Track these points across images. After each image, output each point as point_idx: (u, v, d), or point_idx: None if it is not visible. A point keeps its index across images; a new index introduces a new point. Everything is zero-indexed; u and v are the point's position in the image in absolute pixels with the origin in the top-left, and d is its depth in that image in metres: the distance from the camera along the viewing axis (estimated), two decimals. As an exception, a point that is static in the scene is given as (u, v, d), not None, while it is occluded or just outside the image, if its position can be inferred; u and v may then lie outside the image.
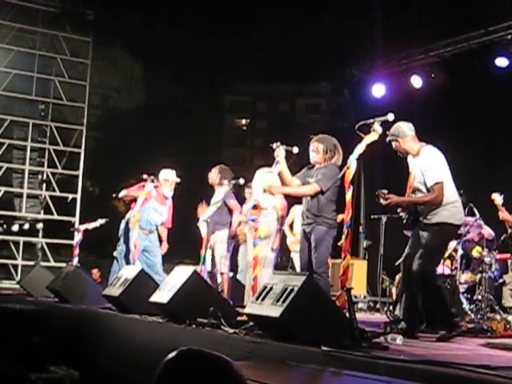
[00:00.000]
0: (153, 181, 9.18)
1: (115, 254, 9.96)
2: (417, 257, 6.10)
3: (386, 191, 6.19)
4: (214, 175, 9.03)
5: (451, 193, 6.18)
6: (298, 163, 7.46)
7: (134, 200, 9.50)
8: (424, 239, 6.19)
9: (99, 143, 24.20)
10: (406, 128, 6.33)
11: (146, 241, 9.47)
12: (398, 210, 7.14)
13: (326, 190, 6.81)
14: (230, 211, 8.74)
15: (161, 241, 9.74)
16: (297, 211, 10.14)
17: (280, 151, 6.85)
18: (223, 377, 2.00)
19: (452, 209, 6.14)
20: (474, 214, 8.10)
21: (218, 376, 1.99)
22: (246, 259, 9.72)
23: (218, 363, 2.05)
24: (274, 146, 6.93)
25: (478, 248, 8.39)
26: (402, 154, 6.42)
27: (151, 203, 9.49)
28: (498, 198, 8.09)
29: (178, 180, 9.53)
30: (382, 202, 6.16)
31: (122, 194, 9.90)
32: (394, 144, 6.38)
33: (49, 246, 15.43)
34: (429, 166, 6.16)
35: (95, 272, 13.04)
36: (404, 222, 6.56)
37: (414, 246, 6.29)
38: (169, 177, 9.49)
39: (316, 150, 7.04)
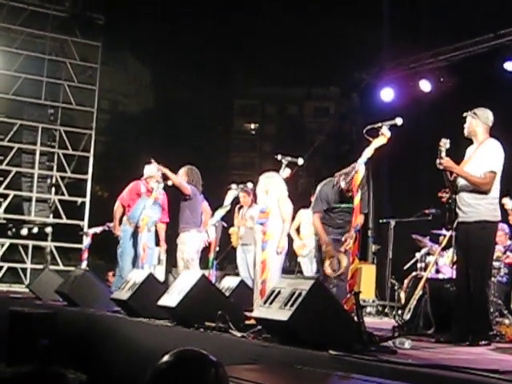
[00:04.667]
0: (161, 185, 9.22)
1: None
2: (471, 264, 6.14)
3: (447, 143, 6.17)
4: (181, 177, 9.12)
5: (496, 189, 6.26)
6: (303, 174, 7.54)
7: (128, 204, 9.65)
8: (469, 244, 6.20)
9: (108, 147, 24.30)
10: (489, 116, 6.38)
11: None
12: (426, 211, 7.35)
13: None
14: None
15: (159, 240, 9.79)
16: (303, 215, 10.15)
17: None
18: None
19: (489, 206, 6.20)
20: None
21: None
22: (246, 262, 9.81)
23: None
24: (279, 157, 7.02)
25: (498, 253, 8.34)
26: (467, 134, 6.42)
27: (142, 200, 9.54)
28: (508, 203, 8.05)
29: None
30: (437, 161, 6.16)
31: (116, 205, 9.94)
32: (469, 119, 6.38)
33: (58, 250, 15.46)
34: (491, 154, 6.22)
35: (111, 275, 13.05)
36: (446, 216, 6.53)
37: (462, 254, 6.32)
38: (153, 172, 9.55)
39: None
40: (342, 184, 7.26)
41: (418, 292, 7.82)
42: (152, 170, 9.57)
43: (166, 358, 2.13)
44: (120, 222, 9.76)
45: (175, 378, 2.07)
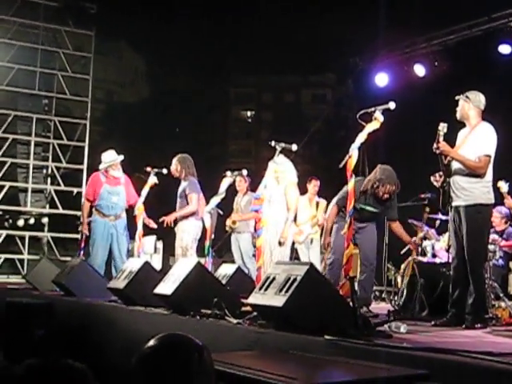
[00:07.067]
0: (156, 174, 9.22)
1: None
2: (466, 248, 6.15)
3: (445, 127, 6.17)
4: (175, 167, 9.11)
5: (490, 172, 6.28)
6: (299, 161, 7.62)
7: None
8: (463, 227, 6.22)
9: (103, 137, 24.20)
10: (481, 100, 6.39)
11: (112, 228, 9.56)
12: (422, 195, 7.60)
13: None
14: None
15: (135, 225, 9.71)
16: (300, 202, 10.15)
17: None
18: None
19: (483, 189, 6.23)
20: None
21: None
22: (239, 250, 9.83)
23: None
24: (273, 143, 7.04)
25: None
26: (460, 118, 6.44)
27: (104, 189, 9.59)
28: (503, 186, 8.09)
29: (122, 158, 9.63)
30: (434, 145, 6.16)
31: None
32: (461, 103, 6.40)
33: (55, 241, 15.43)
34: (485, 138, 6.24)
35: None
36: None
37: (457, 238, 6.33)
38: (112, 159, 9.60)
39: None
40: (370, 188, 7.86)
41: (408, 275, 7.92)
42: (111, 156, 9.62)
43: (151, 342, 2.18)
44: (90, 215, 9.80)
45: (159, 362, 2.11)
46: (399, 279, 9.27)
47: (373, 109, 5.86)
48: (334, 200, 8.15)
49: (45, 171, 15.64)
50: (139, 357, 2.15)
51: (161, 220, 8.97)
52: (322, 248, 10.07)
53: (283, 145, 6.99)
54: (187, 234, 8.91)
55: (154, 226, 9.60)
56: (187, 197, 8.90)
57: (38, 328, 6.79)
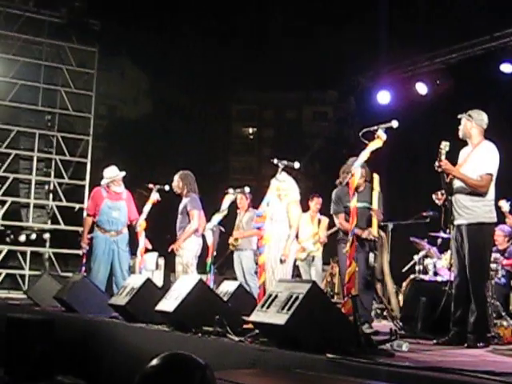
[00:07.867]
0: (158, 190, 9.23)
1: None
2: (468, 266, 6.16)
3: (447, 145, 6.19)
4: (177, 183, 9.15)
5: (492, 191, 6.29)
6: (301, 178, 7.63)
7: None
8: (465, 246, 6.22)
9: (106, 153, 24.25)
10: (484, 118, 6.42)
11: (113, 244, 9.55)
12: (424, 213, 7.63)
13: None
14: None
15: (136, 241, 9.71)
16: (301, 219, 10.16)
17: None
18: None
19: (485, 207, 6.23)
20: None
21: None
22: (241, 267, 9.83)
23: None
24: (275, 161, 7.06)
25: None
26: (462, 136, 6.46)
27: (105, 203, 9.59)
28: (504, 205, 8.10)
29: (123, 174, 9.64)
30: (436, 163, 6.18)
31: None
32: (463, 121, 6.42)
33: (56, 256, 15.41)
34: (487, 157, 6.26)
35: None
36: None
37: (459, 256, 6.34)
38: (113, 175, 9.62)
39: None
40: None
41: (405, 291, 7.96)
42: (113, 172, 9.63)
43: (153, 361, 2.17)
44: (91, 231, 9.80)
45: (162, 382, 2.10)
46: (401, 297, 9.25)
47: (375, 127, 5.88)
48: (332, 213, 8.20)
49: (47, 187, 15.65)
50: (142, 376, 2.14)
51: (169, 250, 9.03)
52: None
53: (286, 162, 7.00)
54: (187, 250, 8.93)
55: (149, 246, 9.60)
56: (188, 213, 8.95)
57: (38, 344, 6.78)
